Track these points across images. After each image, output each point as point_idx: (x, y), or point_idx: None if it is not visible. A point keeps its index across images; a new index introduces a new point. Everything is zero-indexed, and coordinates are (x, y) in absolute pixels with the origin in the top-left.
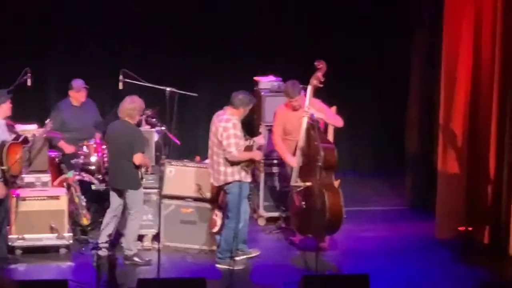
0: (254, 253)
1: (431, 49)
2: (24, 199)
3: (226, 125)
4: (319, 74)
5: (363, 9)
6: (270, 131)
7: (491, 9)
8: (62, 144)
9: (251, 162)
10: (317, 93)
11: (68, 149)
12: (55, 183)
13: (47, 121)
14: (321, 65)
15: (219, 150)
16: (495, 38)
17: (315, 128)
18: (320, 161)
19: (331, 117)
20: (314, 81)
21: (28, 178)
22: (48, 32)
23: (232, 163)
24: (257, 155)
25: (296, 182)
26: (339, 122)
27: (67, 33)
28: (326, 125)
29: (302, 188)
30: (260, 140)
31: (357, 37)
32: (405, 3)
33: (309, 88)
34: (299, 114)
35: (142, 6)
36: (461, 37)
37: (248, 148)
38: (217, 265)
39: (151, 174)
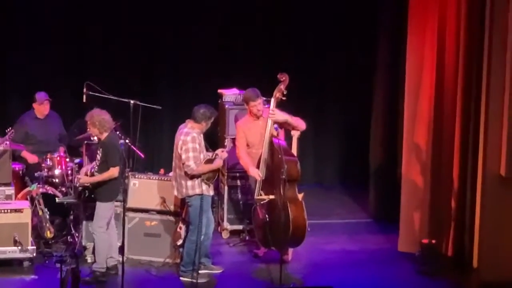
0: (217, 269)
1: (395, 62)
2: None
3: (185, 139)
4: (282, 86)
5: (327, 22)
6: (234, 143)
7: (454, 23)
8: (25, 154)
9: (213, 175)
10: (281, 106)
11: (31, 158)
12: (19, 196)
13: (8, 129)
14: (283, 77)
15: (180, 163)
16: (458, 50)
17: (278, 143)
18: (284, 174)
19: (295, 120)
20: (277, 94)
21: None
22: (9, 43)
23: (193, 176)
24: (217, 164)
25: (259, 195)
26: (302, 125)
27: (29, 45)
28: (290, 138)
29: (265, 201)
30: (223, 153)
31: (321, 50)
32: (368, 15)
33: (273, 101)
34: (261, 125)
35: (108, 18)
36: (425, 48)
37: (209, 161)
38: (181, 278)
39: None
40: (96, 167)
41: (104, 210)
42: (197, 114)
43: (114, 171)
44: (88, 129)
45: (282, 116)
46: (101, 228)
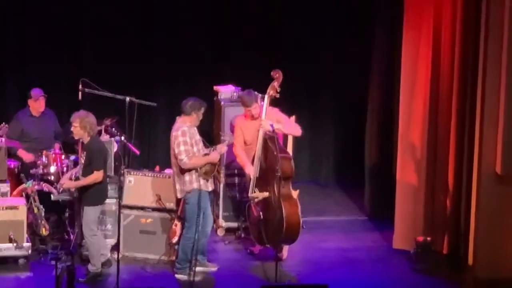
0: (212, 267)
1: (391, 60)
2: None
3: (176, 134)
4: (275, 84)
5: (323, 20)
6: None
7: (450, 21)
8: (20, 152)
9: (210, 169)
10: (277, 104)
11: (27, 157)
12: (14, 193)
13: (2, 124)
14: (277, 74)
15: (175, 159)
16: (454, 48)
17: (272, 138)
18: (278, 172)
19: (289, 127)
20: (270, 91)
21: None
22: (5, 39)
23: (190, 170)
24: (213, 157)
25: (254, 192)
26: (298, 131)
27: (25, 41)
28: (286, 135)
29: (260, 198)
30: (222, 148)
31: (317, 47)
32: (364, 13)
33: (266, 98)
34: (257, 123)
35: (103, 15)
36: (420, 47)
37: (206, 156)
38: (176, 276)
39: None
40: (81, 171)
41: (92, 214)
42: (186, 107)
43: (98, 175)
44: (73, 130)
45: (275, 126)
46: (92, 231)
